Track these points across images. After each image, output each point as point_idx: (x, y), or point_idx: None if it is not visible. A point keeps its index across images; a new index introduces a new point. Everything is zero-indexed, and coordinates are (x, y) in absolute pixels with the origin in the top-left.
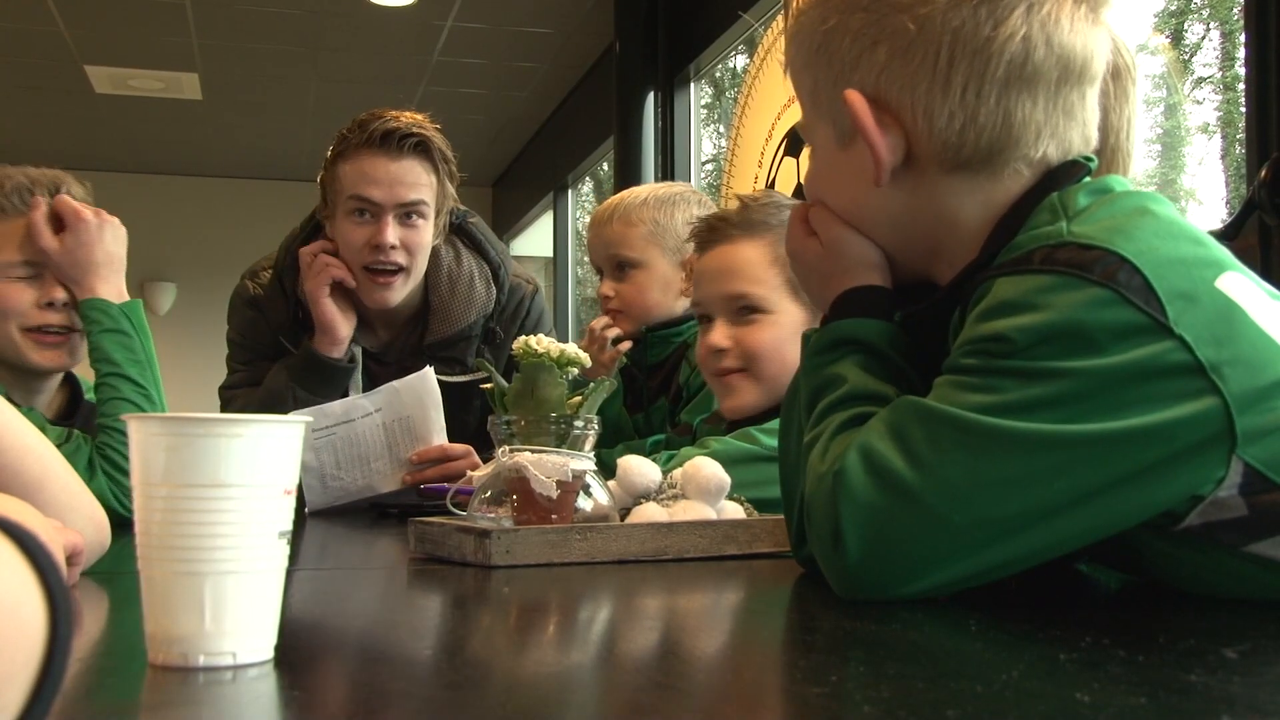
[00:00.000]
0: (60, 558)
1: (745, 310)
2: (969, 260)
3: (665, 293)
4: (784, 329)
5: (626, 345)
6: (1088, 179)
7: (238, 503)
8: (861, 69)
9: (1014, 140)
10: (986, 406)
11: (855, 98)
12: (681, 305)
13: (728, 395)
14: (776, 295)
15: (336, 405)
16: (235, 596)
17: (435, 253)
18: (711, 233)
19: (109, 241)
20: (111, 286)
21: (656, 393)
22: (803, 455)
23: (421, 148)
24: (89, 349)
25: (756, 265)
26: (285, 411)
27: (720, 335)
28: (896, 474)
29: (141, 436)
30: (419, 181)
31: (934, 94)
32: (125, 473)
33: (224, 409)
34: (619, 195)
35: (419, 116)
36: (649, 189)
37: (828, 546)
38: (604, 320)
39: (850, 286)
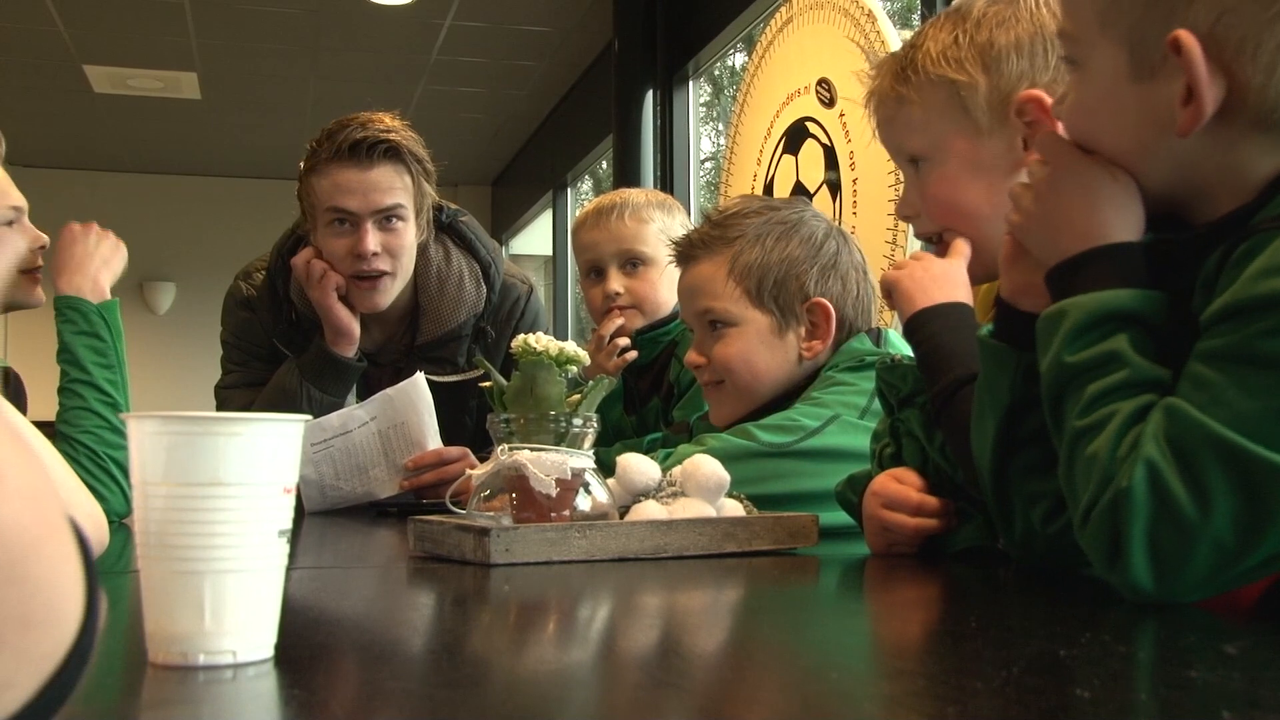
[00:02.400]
0: None
1: (714, 325)
2: (1240, 202)
3: (672, 290)
4: (750, 338)
5: (633, 355)
6: None
7: (237, 501)
8: (1200, 3)
9: None
10: (1264, 422)
11: (1190, 41)
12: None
13: (712, 407)
14: (738, 307)
15: (334, 417)
16: (235, 595)
17: (424, 252)
18: (680, 254)
19: (93, 244)
20: (90, 282)
21: (648, 393)
22: (1076, 442)
23: (392, 153)
24: (58, 346)
25: (715, 280)
26: (298, 411)
27: (694, 352)
28: (1182, 510)
29: (140, 435)
30: (393, 186)
31: None
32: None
33: (220, 409)
34: (610, 196)
35: (387, 118)
36: (639, 191)
37: (1103, 555)
38: (613, 325)
39: (1108, 242)
